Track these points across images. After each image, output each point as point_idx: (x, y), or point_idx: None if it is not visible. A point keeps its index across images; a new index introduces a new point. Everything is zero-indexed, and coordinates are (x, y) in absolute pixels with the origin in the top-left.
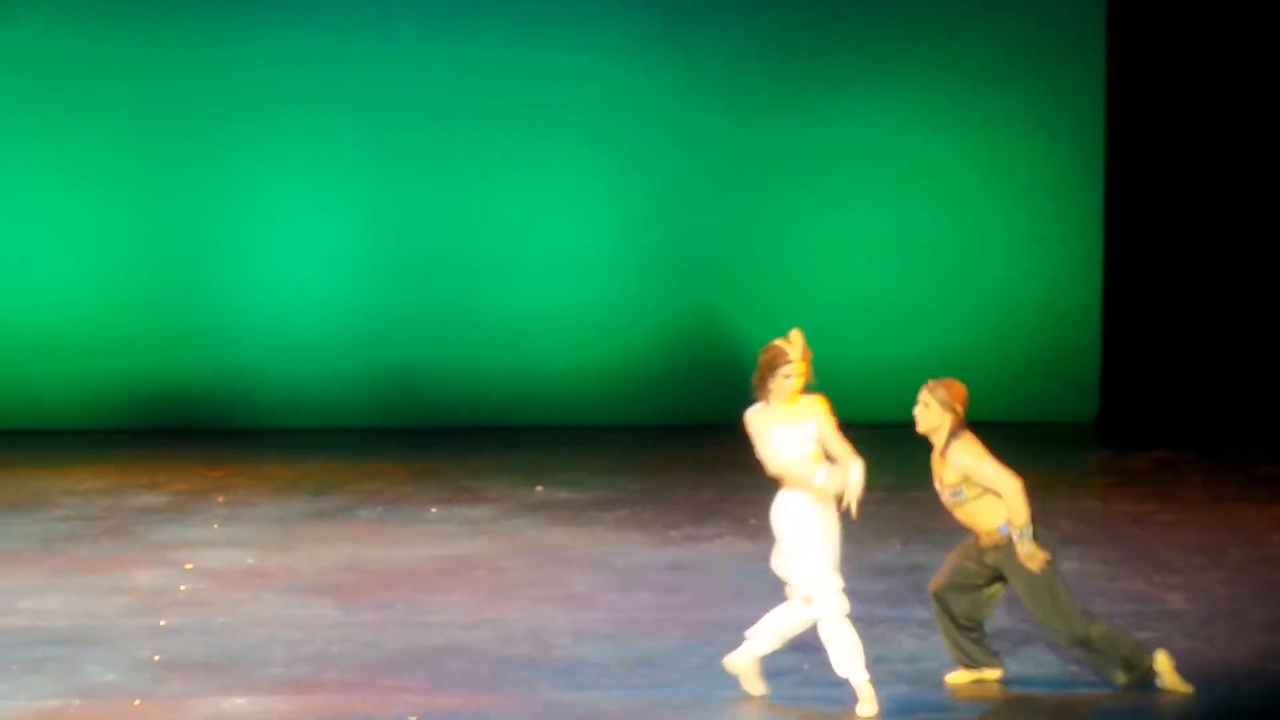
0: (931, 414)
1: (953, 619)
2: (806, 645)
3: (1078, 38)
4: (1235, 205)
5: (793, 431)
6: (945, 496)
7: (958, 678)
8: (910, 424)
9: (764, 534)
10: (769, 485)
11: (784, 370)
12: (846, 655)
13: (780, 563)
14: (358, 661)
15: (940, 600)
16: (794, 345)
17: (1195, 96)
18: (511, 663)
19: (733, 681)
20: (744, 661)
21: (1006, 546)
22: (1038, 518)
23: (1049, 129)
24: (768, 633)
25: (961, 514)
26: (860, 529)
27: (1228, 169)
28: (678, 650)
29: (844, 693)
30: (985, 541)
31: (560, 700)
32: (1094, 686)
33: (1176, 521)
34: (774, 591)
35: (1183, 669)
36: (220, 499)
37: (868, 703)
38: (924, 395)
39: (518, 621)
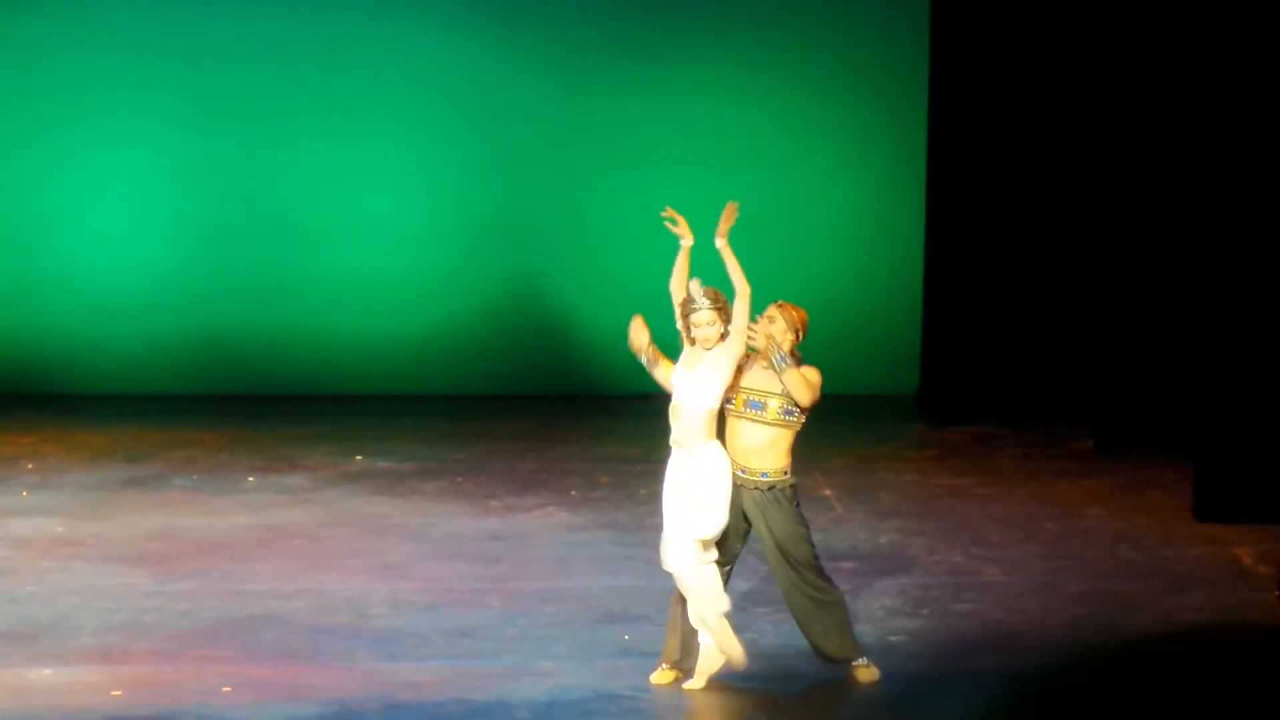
0: (776, 329)
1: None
2: (632, 615)
3: (900, 8)
4: (1056, 179)
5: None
6: (771, 414)
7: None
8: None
9: (585, 505)
10: (590, 457)
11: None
12: (702, 602)
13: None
14: (171, 631)
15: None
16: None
17: (1018, 66)
18: (328, 633)
19: (548, 651)
20: (719, 635)
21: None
22: (858, 492)
23: (870, 101)
24: (698, 597)
25: (763, 437)
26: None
27: (1051, 143)
28: (496, 620)
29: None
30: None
31: (377, 670)
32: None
33: (994, 495)
34: (594, 563)
35: (1001, 640)
36: (29, 466)
37: (709, 665)
38: (772, 311)
39: (335, 591)
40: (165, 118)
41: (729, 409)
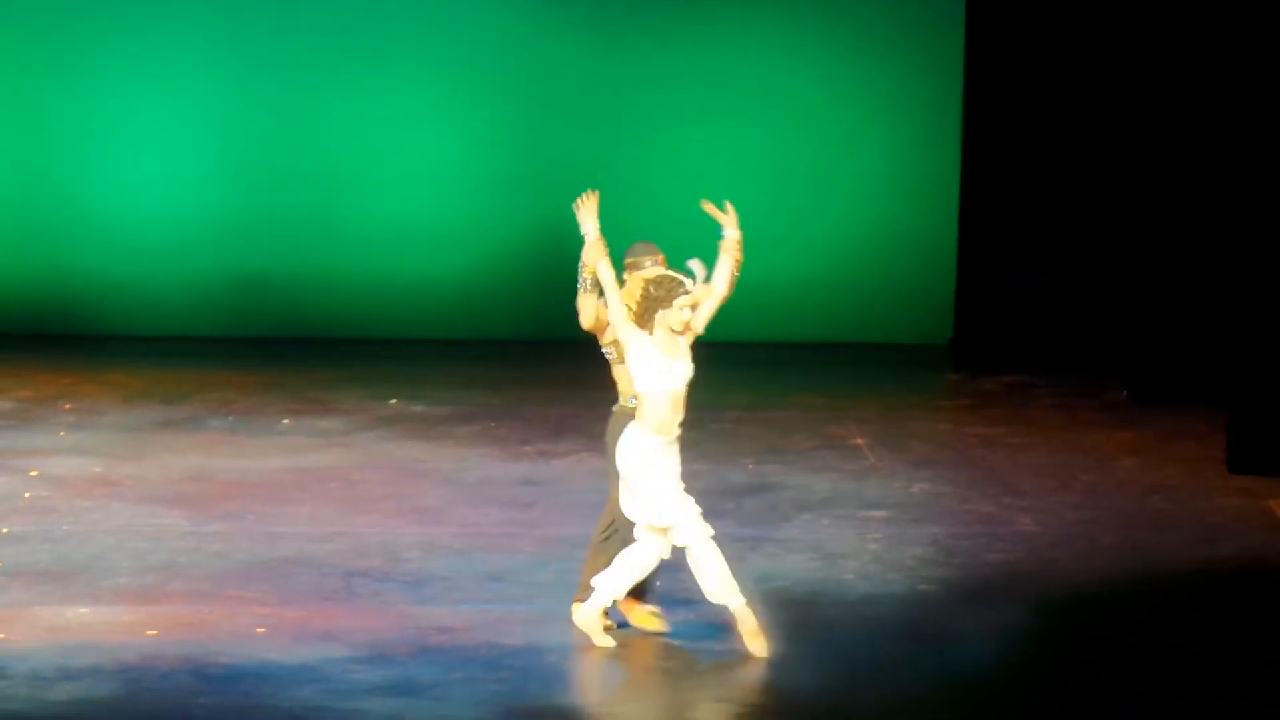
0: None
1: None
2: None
3: None
4: (1093, 131)
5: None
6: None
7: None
8: (762, 344)
9: None
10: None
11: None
12: (718, 579)
13: (629, 503)
14: (205, 572)
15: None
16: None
17: (1056, 20)
18: (361, 576)
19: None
20: (592, 613)
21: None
22: (890, 441)
23: (907, 53)
24: (618, 577)
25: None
26: (715, 449)
27: (1087, 94)
28: (527, 565)
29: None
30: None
31: (409, 613)
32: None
33: (1027, 445)
34: None
35: (1033, 590)
36: (67, 406)
37: (750, 626)
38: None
39: (368, 535)
40: (203, 61)
41: None
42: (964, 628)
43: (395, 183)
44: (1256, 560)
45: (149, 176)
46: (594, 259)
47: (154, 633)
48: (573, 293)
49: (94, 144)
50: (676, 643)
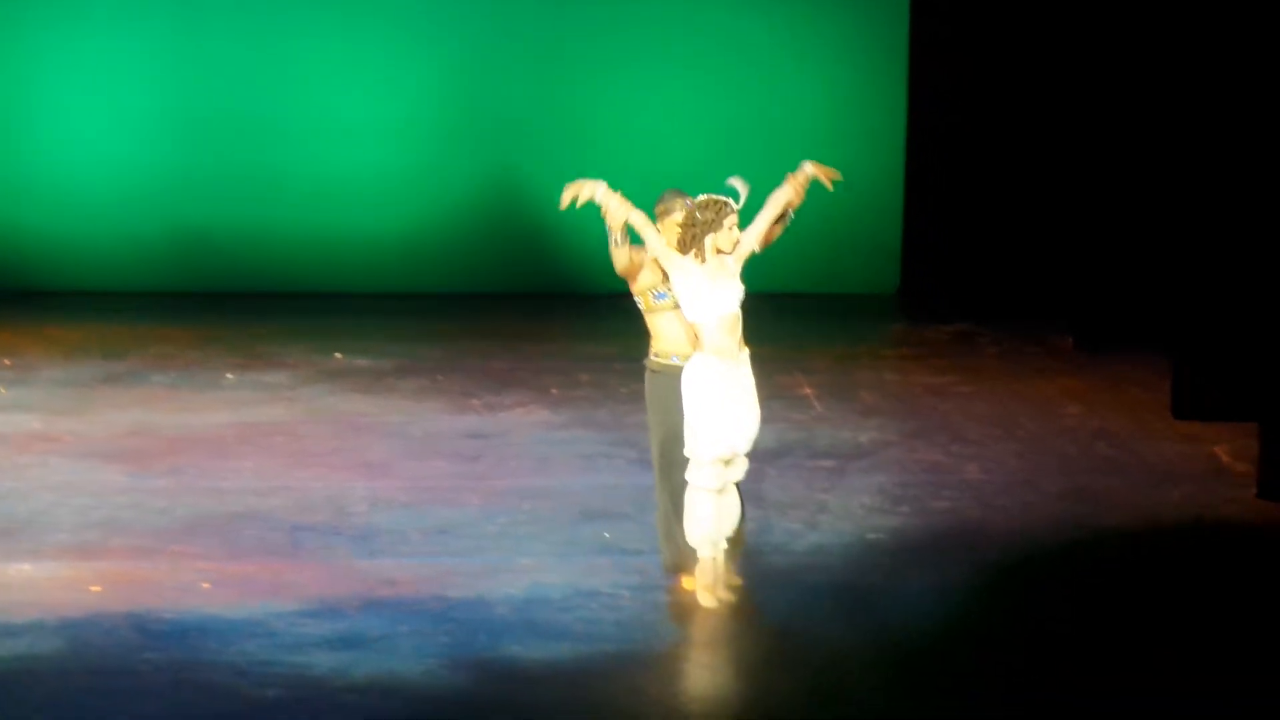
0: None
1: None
2: (611, 513)
3: None
4: (1040, 78)
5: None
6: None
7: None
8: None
9: (564, 404)
10: (570, 355)
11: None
12: (693, 526)
13: (689, 439)
14: (149, 528)
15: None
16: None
17: None
18: (308, 530)
19: (528, 549)
20: (703, 574)
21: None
22: (838, 390)
23: (853, 2)
24: (698, 527)
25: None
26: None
27: (1035, 41)
28: (475, 518)
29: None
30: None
31: (356, 567)
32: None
33: (973, 393)
34: (574, 461)
35: (979, 538)
36: (7, 362)
37: (702, 585)
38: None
39: (315, 489)
40: (144, 13)
41: (661, 304)
42: (912, 575)
43: (338, 136)
44: (1202, 506)
45: (89, 130)
46: (620, 216)
47: (97, 589)
48: (519, 246)
49: (33, 98)
50: (626, 594)
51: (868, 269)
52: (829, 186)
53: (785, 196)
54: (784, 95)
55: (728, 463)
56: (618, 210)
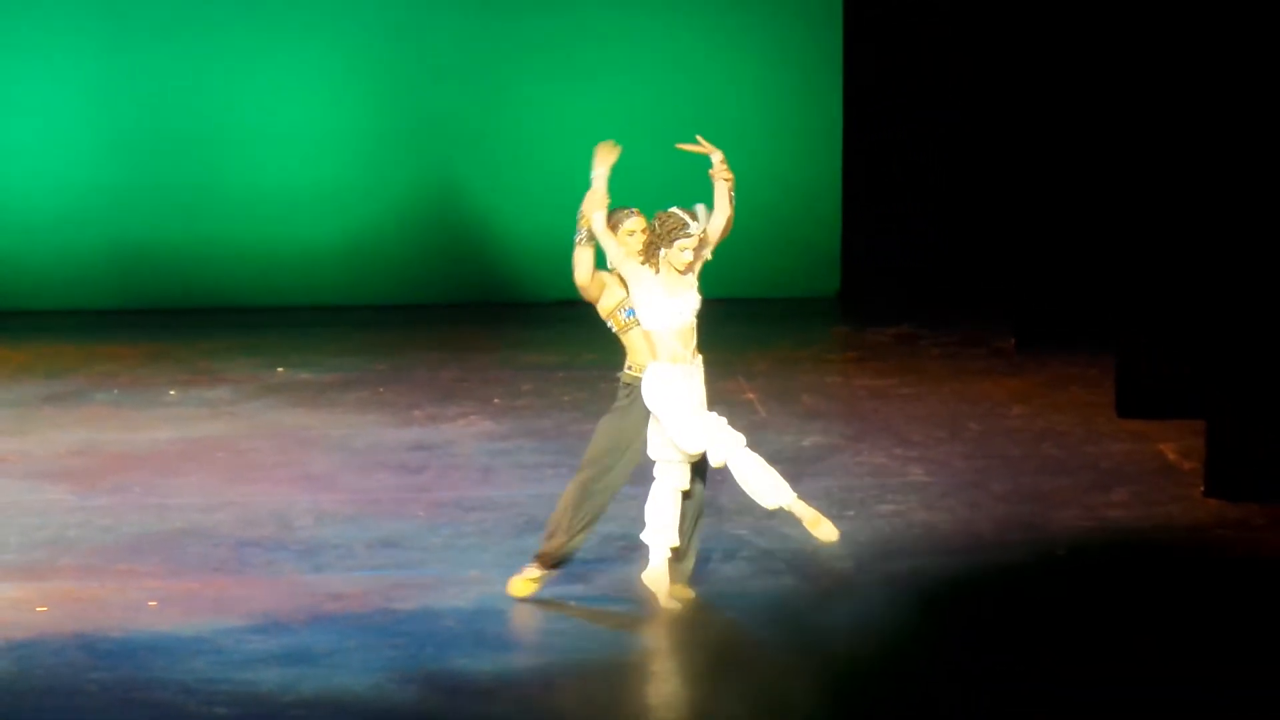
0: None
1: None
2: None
3: None
4: (977, 76)
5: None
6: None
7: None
8: None
9: (507, 414)
10: (512, 365)
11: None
12: (766, 484)
13: (657, 442)
14: (95, 546)
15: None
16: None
17: None
18: (253, 545)
19: (474, 560)
20: (659, 572)
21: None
22: (780, 395)
23: (787, 4)
24: (657, 523)
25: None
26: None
27: (972, 40)
28: (421, 530)
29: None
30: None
31: (303, 582)
32: None
33: (916, 395)
34: (518, 471)
35: (926, 541)
36: None
37: (809, 517)
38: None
39: (259, 504)
40: (77, 26)
41: (632, 321)
42: (859, 578)
43: (276, 148)
44: (1149, 504)
45: (23, 146)
46: (592, 208)
47: (44, 609)
48: (460, 256)
49: None
50: (573, 604)
51: (807, 272)
52: (708, 151)
53: (724, 191)
54: (719, 100)
55: (693, 459)
56: (589, 205)
